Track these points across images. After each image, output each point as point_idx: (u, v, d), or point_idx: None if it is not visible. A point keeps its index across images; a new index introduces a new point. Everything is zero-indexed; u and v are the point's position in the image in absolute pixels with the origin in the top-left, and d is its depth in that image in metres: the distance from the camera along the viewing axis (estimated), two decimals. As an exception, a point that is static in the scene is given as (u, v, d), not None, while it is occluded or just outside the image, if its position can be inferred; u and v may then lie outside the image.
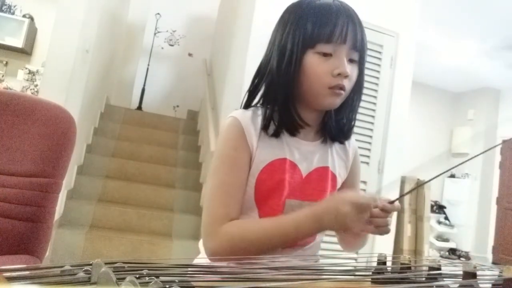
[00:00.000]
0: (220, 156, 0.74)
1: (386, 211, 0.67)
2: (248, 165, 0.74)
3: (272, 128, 0.75)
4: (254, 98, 0.79)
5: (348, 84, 0.72)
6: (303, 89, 0.73)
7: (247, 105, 0.80)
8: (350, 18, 0.71)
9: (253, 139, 0.73)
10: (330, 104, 0.73)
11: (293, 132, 0.76)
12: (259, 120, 0.75)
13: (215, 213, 0.70)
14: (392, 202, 0.67)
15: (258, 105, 0.79)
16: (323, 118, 0.80)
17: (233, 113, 0.76)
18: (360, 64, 0.75)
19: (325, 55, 0.70)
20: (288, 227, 0.67)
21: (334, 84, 0.70)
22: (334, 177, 0.80)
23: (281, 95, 0.74)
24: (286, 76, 0.72)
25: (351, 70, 0.72)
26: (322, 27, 0.69)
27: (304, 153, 0.77)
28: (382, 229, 0.67)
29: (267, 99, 0.77)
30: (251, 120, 0.74)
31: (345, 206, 0.63)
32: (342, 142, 0.82)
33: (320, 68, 0.70)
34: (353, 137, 0.86)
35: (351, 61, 0.72)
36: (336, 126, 0.79)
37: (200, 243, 0.83)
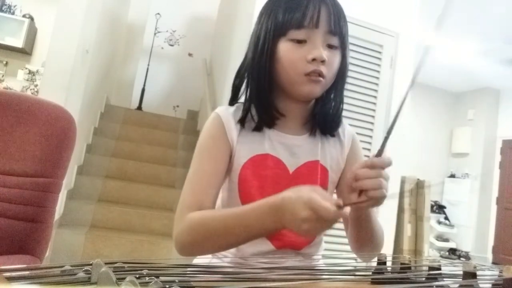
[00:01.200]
0: (197, 148, 0.74)
1: (375, 168, 0.57)
2: (226, 157, 0.72)
3: (252, 122, 0.73)
4: (238, 94, 0.78)
5: (327, 70, 0.68)
6: (281, 79, 0.71)
7: (232, 101, 0.79)
8: (323, 1, 0.68)
9: (233, 133, 0.72)
10: (309, 92, 0.70)
11: (270, 124, 0.73)
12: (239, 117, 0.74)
13: (184, 201, 0.68)
14: (379, 154, 0.57)
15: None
16: (311, 111, 0.77)
17: (217, 109, 0.76)
18: (342, 49, 0.71)
19: (299, 41, 0.67)
20: (248, 220, 0.60)
21: (310, 70, 0.67)
22: (324, 171, 0.76)
23: (255, 87, 0.72)
24: (259, 66, 0.71)
25: (330, 56, 0.68)
26: (292, 12, 0.67)
27: (289, 147, 0.74)
28: (374, 193, 0.56)
29: (246, 93, 0.75)
30: (232, 115, 0.73)
31: (303, 210, 0.52)
32: (333, 135, 0.78)
33: (294, 55, 0.68)
34: (347, 123, 0.82)
35: (330, 46, 0.69)
36: (324, 118, 0.76)
37: None
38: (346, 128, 0.81)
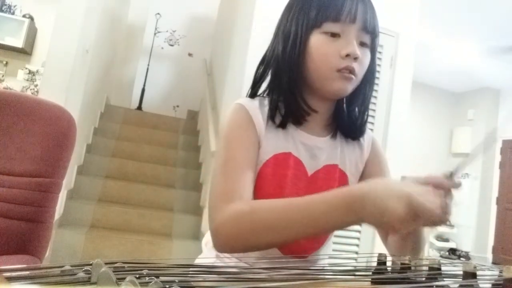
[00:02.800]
0: (226, 137, 0.68)
1: (441, 189, 0.52)
2: (256, 146, 0.68)
3: (278, 118, 0.70)
4: (259, 88, 0.75)
5: (358, 68, 0.66)
6: (310, 74, 0.68)
7: (252, 95, 0.75)
8: None
9: (262, 126, 0.69)
10: (339, 90, 0.66)
11: (299, 120, 0.71)
12: (266, 110, 0.71)
13: (221, 189, 0.62)
14: (450, 177, 0.52)
15: (264, 95, 0.74)
16: (334, 112, 0.74)
17: (239, 100, 0.72)
18: (372, 50, 0.69)
19: (333, 35, 0.65)
20: (318, 212, 0.53)
21: (342, 66, 0.64)
22: (343, 175, 0.74)
23: (286, 81, 0.69)
24: (291, 60, 0.68)
25: (363, 54, 0.66)
26: (329, 4, 0.65)
27: (310, 149, 0.72)
28: (435, 217, 0.49)
29: (272, 87, 0.72)
30: (259, 108, 0.70)
31: (400, 205, 0.47)
32: (355, 138, 0.76)
33: (327, 49, 0.65)
34: (367, 128, 0.80)
35: (362, 44, 0.67)
36: (348, 120, 0.73)
37: (203, 243, 0.80)
38: (366, 131, 0.79)
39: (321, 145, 0.73)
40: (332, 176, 0.73)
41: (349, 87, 0.67)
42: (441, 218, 0.48)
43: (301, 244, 0.71)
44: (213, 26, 5.11)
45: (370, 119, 2.52)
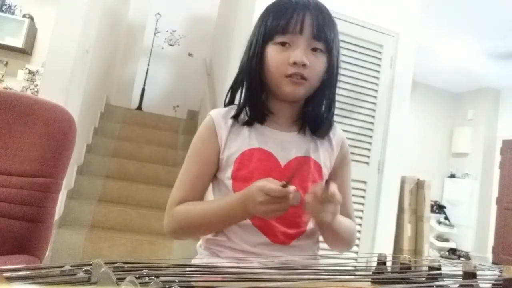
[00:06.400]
0: (189, 149, 0.81)
1: (317, 198, 0.64)
2: (213, 157, 0.78)
3: (244, 119, 0.79)
4: (234, 95, 0.83)
5: (309, 73, 0.73)
6: (268, 80, 0.76)
7: (229, 102, 0.84)
8: (307, 9, 0.73)
9: (223, 132, 0.78)
10: (291, 93, 0.74)
11: (261, 120, 0.79)
12: (232, 114, 0.80)
13: (172, 197, 0.79)
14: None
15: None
16: (301, 111, 0.81)
17: (211, 111, 0.82)
18: (329, 54, 0.75)
19: (283, 45, 0.73)
20: (222, 211, 0.71)
21: (291, 72, 0.72)
22: (318, 166, 0.79)
23: (248, 87, 0.78)
24: (250, 68, 0.77)
25: (314, 60, 0.73)
26: (279, 19, 0.73)
27: (279, 142, 0.78)
28: (316, 216, 0.66)
29: (241, 92, 0.81)
30: (222, 116, 0.79)
31: (258, 195, 0.62)
32: (322, 136, 0.81)
33: (277, 58, 0.73)
34: (339, 127, 0.85)
35: (315, 50, 0.73)
36: (314, 120, 0.80)
37: (198, 244, 0.84)
38: (337, 131, 0.84)
39: (289, 138, 0.80)
40: (306, 166, 0.78)
41: (301, 91, 0.75)
42: (281, 192, 0.60)
43: (280, 228, 0.75)
44: (213, 26, 5.11)
45: (370, 119, 2.52)
